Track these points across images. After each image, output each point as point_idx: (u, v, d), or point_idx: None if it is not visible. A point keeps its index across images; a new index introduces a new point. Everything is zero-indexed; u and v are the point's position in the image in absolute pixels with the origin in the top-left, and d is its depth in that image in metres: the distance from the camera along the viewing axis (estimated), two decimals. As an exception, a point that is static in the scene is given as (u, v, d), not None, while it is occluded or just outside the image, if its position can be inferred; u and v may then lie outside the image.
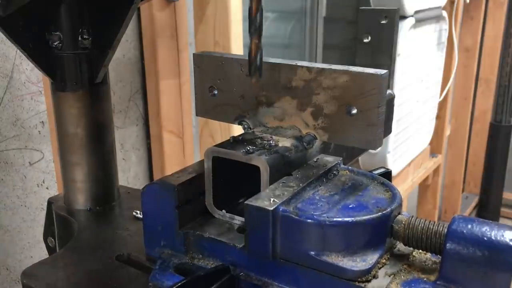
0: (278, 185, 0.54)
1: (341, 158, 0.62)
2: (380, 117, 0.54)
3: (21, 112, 1.14)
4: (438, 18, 2.06)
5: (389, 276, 0.49)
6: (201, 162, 0.60)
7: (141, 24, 1.29)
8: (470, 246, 0.45)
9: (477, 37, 2.95)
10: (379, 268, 0.50)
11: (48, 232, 0.86)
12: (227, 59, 0.63)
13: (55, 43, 0.73)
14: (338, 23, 2.44)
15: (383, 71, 0.53)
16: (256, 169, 0.54)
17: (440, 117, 2.45)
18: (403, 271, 0.50)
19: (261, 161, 0.54)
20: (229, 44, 1.28)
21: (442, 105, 2.42)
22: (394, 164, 1.94)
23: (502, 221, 3.54)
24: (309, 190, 0.55)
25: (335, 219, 0.49)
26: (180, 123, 1.37)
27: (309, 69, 0.57)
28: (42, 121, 1.17)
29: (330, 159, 0.61)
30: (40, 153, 1.18)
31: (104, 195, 0.83)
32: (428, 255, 0.53)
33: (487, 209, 3.75)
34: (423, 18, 1.87)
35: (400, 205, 0.53)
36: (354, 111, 0.55)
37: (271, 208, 0.49)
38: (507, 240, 0.44)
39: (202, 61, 0.65)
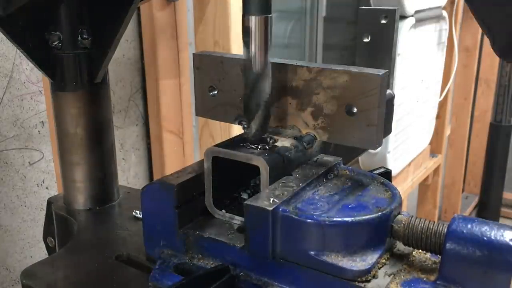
0: (278, 185, 0.54)
1: (341, 158, 0.62)
2: (380, 117, 0.54)
3: (21, 112, 1.14)
4: (438, 18, 2.06)
5: (389, 276, 0.49)
6: (200, 162, 0.60)
7: (141, 24, 1.29)
8: (470, 246, 0.45)
9: (477, 37, 2.95)
10: (379, 268, 0.50)
11: (48, 232, 0.86)
12: (227, 59, 0.63)
13: (54, 43, 0.73)
14: (338, 23, 2.44)
15: (383, 71, 0.53)
16: (256, 169, 0.54)
17: (440, 117, 2.45)
18: (403, 271, 0.50)
19: (261, 161, 0.54)
20: (229, 44, 1.28)
21: (442, 105, 2.42)
22: (394, 164, 1.94)
23: (502, 221, 3.54)
24: (309, 190, 0.55)
25: (335, 219, 0.49)
26: (180, 123, 1.37)
27: (309, 69, 0.57)
28: (42, 121, 1.17)
29: (330, 159, 0.61)
30: (40, 153, 1.18)
31: (104, 195, 0.83)
32: (428, 255, 0.53)
33: (487, 209, 3.75)
34: (423, 18, 1.87)
35: (400, 205, 0.53)
36: (354, 111, 0.55)
37: (271, 208, 0.49)
38: (507, 240, 0.44)
39: (202, 61, 0.65)
